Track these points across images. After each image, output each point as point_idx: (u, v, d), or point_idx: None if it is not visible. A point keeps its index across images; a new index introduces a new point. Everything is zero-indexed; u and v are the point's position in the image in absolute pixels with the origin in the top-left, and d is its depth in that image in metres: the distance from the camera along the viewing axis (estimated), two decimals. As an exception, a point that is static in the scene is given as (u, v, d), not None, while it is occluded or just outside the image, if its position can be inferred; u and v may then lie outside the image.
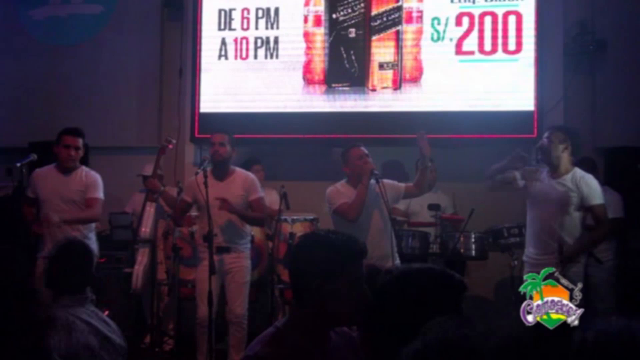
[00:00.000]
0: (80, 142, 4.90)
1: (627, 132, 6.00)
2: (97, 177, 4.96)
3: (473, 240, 5.27)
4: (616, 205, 5.25)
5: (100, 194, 4.93)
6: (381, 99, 6.27)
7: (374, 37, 6.26)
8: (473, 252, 5.27)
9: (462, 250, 5.21)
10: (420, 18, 6.20)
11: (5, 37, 7.18)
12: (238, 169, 4.83)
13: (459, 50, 6.13)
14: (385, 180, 4.55)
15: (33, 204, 4.94)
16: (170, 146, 5.39)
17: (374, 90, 6.25)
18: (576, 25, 6.16)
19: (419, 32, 6.19)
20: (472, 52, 6.10)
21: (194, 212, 5.04)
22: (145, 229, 5.32)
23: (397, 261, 4.46)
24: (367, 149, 4.65)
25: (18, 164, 4.87)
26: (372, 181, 4.46)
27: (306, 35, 6.39)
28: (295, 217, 5.42)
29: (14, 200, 5.48)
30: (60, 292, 2.70)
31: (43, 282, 2.74)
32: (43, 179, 4.90)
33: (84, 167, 5.01)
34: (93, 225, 5.02)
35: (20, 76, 7.05)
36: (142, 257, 5.29)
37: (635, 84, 6.07)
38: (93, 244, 4.85)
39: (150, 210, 5.38)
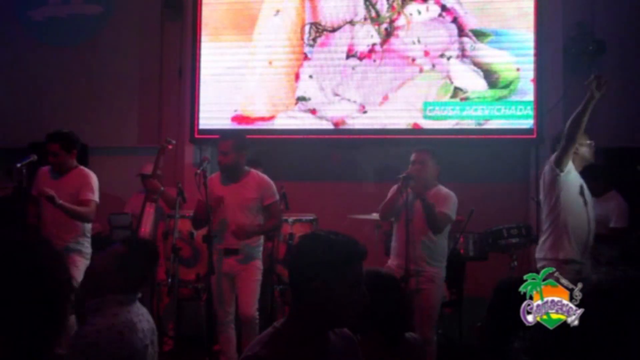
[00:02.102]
0: (56, 146, 4.81)
1: (626, 132, 6.00)
2: (90, 178, 4.87)
3: (473, 240, 5.27)
4: (621, 214, 5.09)
5: (92, 195, 4.84)
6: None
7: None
8: (473, 253, 5.28)
9: (461, 251, 5.21)
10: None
11: (5, 38, 7.18)
12: (253, 171, 4.75)
13: (460, 56, 6.15)
14: (445, 191, 4.58)
15: (37, 203, 4.90)
16: (170, 147, 5.38)
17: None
18: (575, 26, 6.16)
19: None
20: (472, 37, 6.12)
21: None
22: (145, 230, 5.32)
23: (438, 270, 4.47)
24: (428, 155, 4.61)
25: (18, 165, 4.86)
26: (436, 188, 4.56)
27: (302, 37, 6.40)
28: (294, 218, 5.42)
29: (14, 200, 5.47)
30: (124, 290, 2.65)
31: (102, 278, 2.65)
32: (42, 180, 4.90)
33: (80, 168, 4.95)
34: (88, 228, 4.94)
35: (20, 76, 7.06)
36: (141, 258, 5.28)
37: (635, 85, 6.08)
38: (86, 249, 4.87)
39: (149, 210, 5.37)
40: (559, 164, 3.96)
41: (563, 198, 4.01)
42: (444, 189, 4.62)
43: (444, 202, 4.50)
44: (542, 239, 4.15)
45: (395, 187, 4.58)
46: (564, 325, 1.05)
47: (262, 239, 4.82)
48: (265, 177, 4.77)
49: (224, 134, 4.95)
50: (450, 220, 4.56)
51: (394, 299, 2.60)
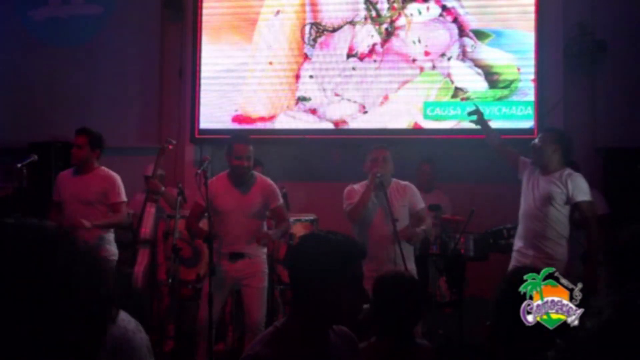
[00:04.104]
0: (83, 139, 4.87)
1: (627, 132, 6.00)
2: (116, 179, 4.93)
3: (473, 241, 5.27)
4: (603, 202, 5.38)
5: (122, 197, 4.91)
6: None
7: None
8: (473, 253, 5.27)
9: (462, 251, 5.21)
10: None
11: (5, 38, 7.18)
12: (258, 176, 4.73)
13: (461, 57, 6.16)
14: (404, 184, 4.70)
15: (60, 208, 4.90)
16: (170, 147, 5.38)
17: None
18: (576, 26, 6.16)
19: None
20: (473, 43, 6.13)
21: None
22: (146, 230, 5.32)
23: (412, 267, 4.52)
24: (389, 153, 4.68)
25: (19, 165, 4.87)
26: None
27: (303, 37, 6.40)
28: (295, 218, 5.42)
29: (14, 200, 5.48)
30: None
31: None
32: (64, 182, 4.92)
33: (103, 168, 4.98)
34: None
35: (20, 76, 7.05)
36: (142, 258, 5.29)
37: (635, 85, 6.07)
38: (112, 247, 4.90)
39: (150, 210, 5.37)
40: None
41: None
42: (401, 182, 4.75)
43: (414, 198, 4.70)
44: None
45: (357, 186, 4.64)
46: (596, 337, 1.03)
47: None
48: (269, 180, 4.76)
49: (238, 136, 4.80)
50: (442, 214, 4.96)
51: (415, 301, 2.59)
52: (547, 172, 4.45)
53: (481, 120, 4.84)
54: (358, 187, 4.66)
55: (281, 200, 4.73)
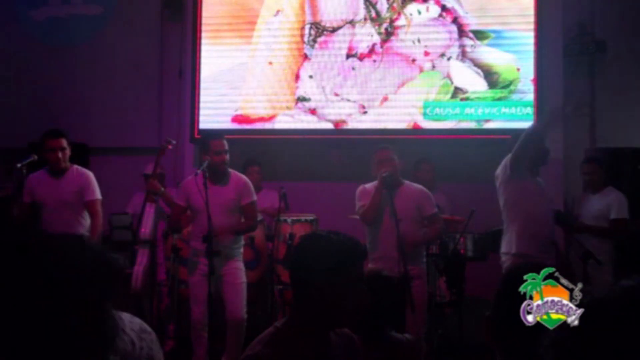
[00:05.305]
0: (63, 142, 4.81)
1: (627, 132, 6.01)
2: (91, 176, 4.87)
3: (473, 241, 5.27)
4: (621, 206, 5.20)
5: (97, 194, 4.85)
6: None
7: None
8: (473, 253, 5.28)
9: (462, 251, 5.21)
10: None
11: (5, 38, 7.18)
12: (233, 172, 4.76)
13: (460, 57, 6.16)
14: (416, 186, 4.67)
15: (29, 209, 4.90)
16: (170, 147, 5.38)
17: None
18: (575, 26, 6.17)
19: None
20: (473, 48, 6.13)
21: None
22: (145, 230, 5.32)
23: (418, 267, 4.52)
24: (393, 152, 4.65)
25: (19, 165, 4.86)
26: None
27: (302, 36, 6.40)
28: (294, 218, 5.42)
29: (14, 200, 5.47)
30: None
31: None
32: (37, 184, 4.88)
33: (75, 167, 4.92)
34: (87, 226, 4.92)
35: (20, 77, 7.05)
36: (141, 258, 5.29)
37: (634, 85, 6.08)
38: None
39: (149, 210, 5.38)
40: (514, 168, 4.39)
41: (515, 196, 4.44)
42: (414, 185, 4.71)
43: (426, 202, 4.63)
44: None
45: (368, 185, 4.63)
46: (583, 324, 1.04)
47: (241, 239, 4.79)
48: (244, 177, 4.79)
49: (212, 134, 4.98)
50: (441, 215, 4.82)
51: (389, 300, 2.59)
52: (534, 176, 4.52)
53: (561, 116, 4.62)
54: (369, 186, 4.65)
55: (254, 198, 4.71)
